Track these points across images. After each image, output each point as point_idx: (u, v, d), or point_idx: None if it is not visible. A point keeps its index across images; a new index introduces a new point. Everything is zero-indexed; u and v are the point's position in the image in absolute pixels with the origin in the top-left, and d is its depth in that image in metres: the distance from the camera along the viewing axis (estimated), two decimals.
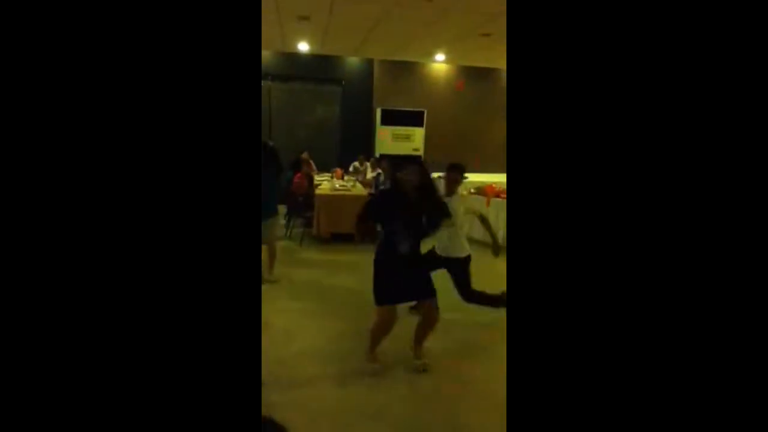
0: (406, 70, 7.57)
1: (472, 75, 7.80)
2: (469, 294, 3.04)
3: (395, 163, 2.95)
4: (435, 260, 3.02)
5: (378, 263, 2.33)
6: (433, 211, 2.31)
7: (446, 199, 2.89)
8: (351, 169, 6.72)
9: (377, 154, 7.28)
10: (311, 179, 5.65)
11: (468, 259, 3.03)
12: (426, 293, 2.35)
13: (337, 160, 7.23)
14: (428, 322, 2.42)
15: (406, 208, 2.23)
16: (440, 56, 7.00)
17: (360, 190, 5.53)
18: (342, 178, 6.17)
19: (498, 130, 8.18)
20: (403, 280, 2.28)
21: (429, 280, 2.38)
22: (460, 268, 2.99)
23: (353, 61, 7.42)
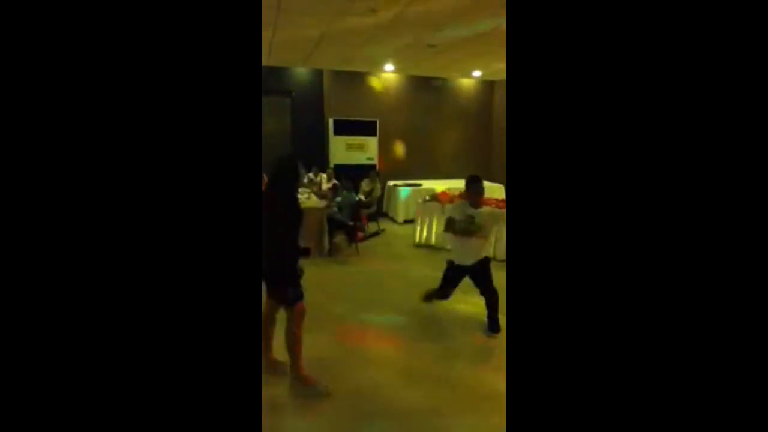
0: (357, 80, 7.59)
1: (422, 84, 7.96)
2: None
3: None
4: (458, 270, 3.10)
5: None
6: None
7: (474, 212, 2.98)
8: (305, 180, 6.60)
9: (332, 165, 7.21)
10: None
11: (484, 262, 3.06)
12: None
13: (271, 168, 7.03)
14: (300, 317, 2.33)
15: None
16: (389, 66, 7.08)
17: (315, 202, 5.44)
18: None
19: (449, 138, 8.38)
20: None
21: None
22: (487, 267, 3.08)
23: (302, 71, 7.33)
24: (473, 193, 3.05)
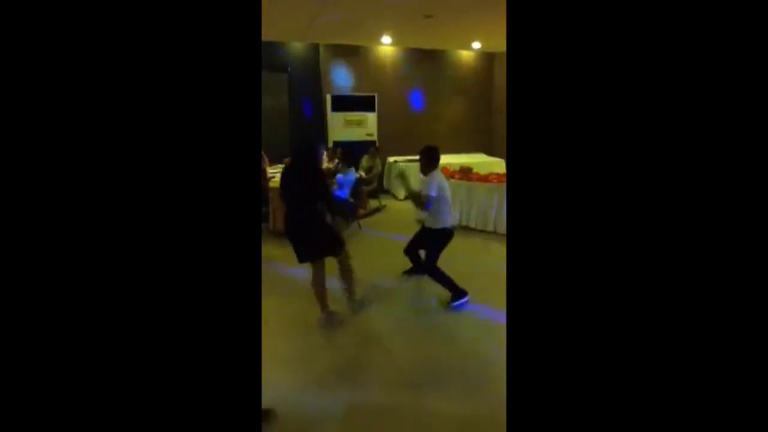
0: (354, 55, 7.44)
1: (420, 58, 7.80)
2: (430, 266, 3.29)
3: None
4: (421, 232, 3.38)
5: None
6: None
7: (423, 178, 3.26)
8: None
9: (331, 142, 7.15)
10: (264, 172, 5.47)
11: (441, 231, 3.26)
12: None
13: (290, 151, 7.03)
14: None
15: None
16: (387, 39, 6.92)
17: None
18: None
19: (449, 111, 8.27)
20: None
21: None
22: (432, 238, 3.25)
23: (298, 47, 7.18)
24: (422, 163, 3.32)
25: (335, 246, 2.93)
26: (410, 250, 3.58)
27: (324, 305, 2.98)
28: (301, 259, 2.85)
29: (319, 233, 2.85)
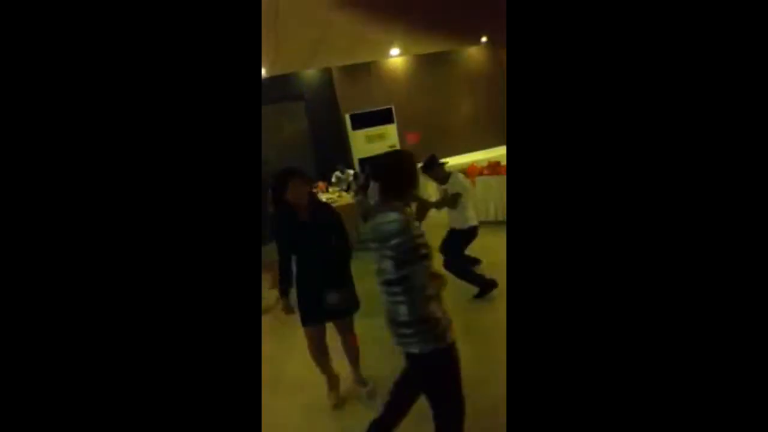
0: (366, 72, 7.58)
1: (429, 62, 7.85)
2: (452, 263, 3.24)
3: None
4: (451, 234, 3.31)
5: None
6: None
7: (444, 186, 3.24)
8: (334, 179, 6.71)
9: (356, 160, 7.27)
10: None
11: (467, 230, 3.22)
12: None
13: (317, 174, 7.21)
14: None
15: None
16: (395, 50, 7.03)
17: (348, 198, 5.54)
18: (327, 191, 6.16)
19: (462, 110, 8.23)
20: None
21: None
22: (455, 238, 3.26)
23: (311, 73, 7.40)
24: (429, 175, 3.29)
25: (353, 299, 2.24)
26: (454, 263, 3.29)
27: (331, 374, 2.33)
28: (319, 317, 2.13)
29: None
